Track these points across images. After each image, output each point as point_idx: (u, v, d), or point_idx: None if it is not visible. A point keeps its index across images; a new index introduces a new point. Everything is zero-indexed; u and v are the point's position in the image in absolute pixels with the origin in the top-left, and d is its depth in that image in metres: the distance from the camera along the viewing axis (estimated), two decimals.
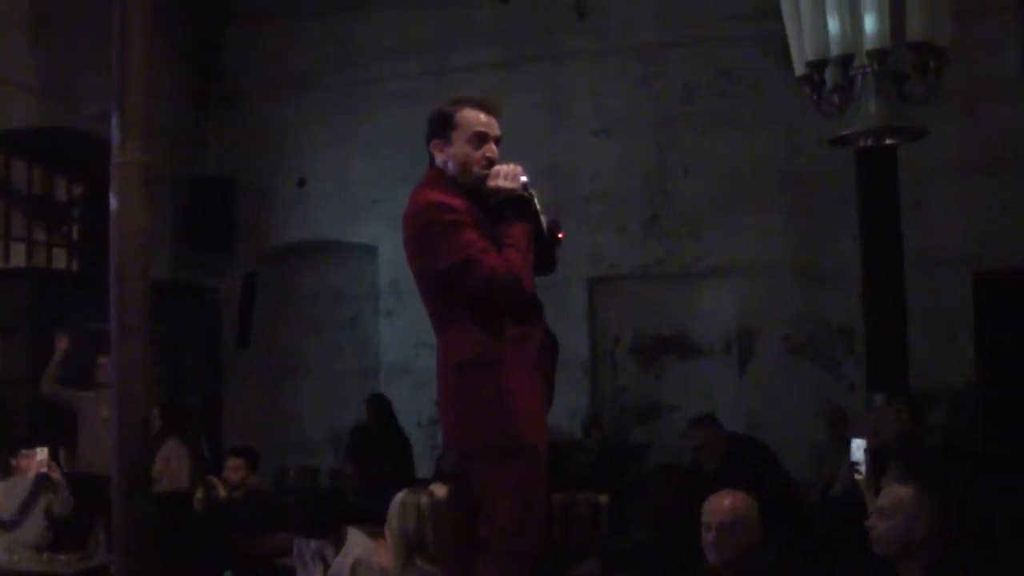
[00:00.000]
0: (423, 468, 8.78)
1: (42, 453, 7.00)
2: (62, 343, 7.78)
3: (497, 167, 3.25)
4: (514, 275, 3.14)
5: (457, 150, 3.27)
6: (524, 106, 9.19)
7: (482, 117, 3.29)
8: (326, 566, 4.87)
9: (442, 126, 3.30)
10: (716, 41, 9.17)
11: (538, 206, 3.30)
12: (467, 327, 3.18)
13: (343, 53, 10.34)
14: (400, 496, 4.32)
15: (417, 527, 4.15)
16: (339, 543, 4.83)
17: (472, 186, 3.25)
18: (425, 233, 3.19)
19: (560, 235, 3.38)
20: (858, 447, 4.67)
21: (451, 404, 3.26)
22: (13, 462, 7.15)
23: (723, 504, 3.84)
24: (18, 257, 9.40)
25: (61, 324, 8.70)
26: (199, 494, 7.13)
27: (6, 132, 8.70)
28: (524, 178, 3.25)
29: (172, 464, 7.82)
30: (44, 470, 6.96)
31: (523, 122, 8.91)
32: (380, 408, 8.81)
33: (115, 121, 5.38)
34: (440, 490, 4.27)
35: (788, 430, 8.36)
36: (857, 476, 4.72)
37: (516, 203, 3.24)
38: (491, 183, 3.24)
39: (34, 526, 6.95)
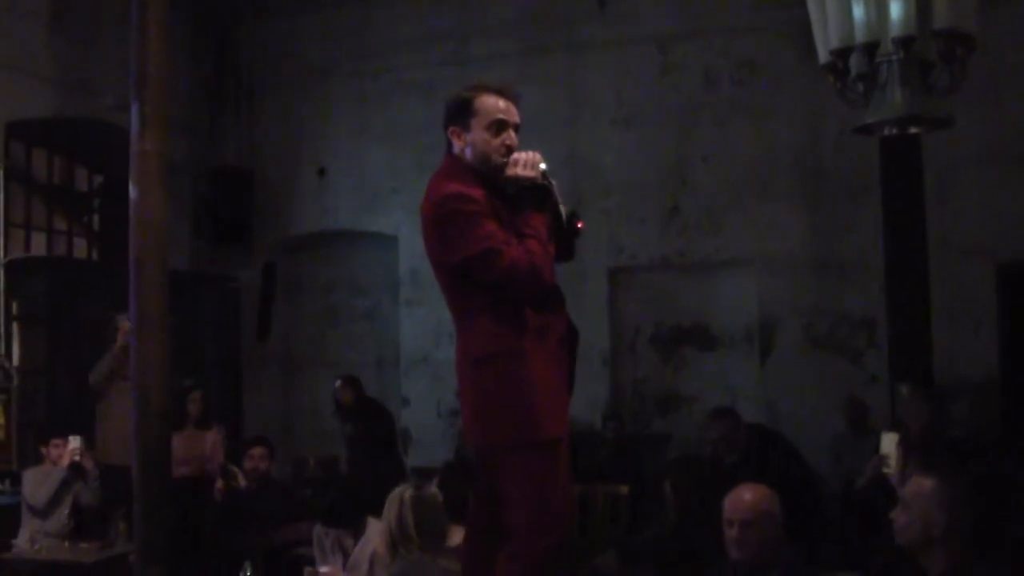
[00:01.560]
0: (440, 457, 8.79)
1: (75, 442, 7.02)
2: (124, 330, 7.50)
3: (516, 155, 3.20)
4: (535, 266, 3.09)
5: (476, 137, 3.22)
6: (543, 96, 9.16)
7: (501, 104, 3.24)
8: (345, 556, 4.88)
9: (460, 112, 3.25)
10: (736, 30, 9.11)
11: (557, 195, 3.26)
12: (487, 319, 3.14)
13: (360, 43, 10.32)
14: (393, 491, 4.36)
15: (398, 519, 4.18)
16: (359, 534, 4.84)
17: (490, 173, 3.22)
18: (444, 224, 3.15)
19: (580, 225, 3.34)
20: (888, 441, 4.62)
21: (471, 397, 3.23)
22: (44, 451, 7.18)
23: (744, 499, 3.80)
24: (39, 247, 9.41)
25: (82, 314, 8.75)
26: (219, 483, 7.16)
27: (26, 122, 8.73)
28: (543, 166, 3.21)
29: (217, 450, 7.81)
30: (77, 459, 6.99)
31: (542, 112, 8.88)
32: (355, 394, 8.75)
33: (134, 110, 5.38)
34: (407, 491, 4.27)
35: (809, 422, 8.34)
36: (886, 470, 4.68)
37: (535, 192, 3.20)
38: (510, 171, 3.19)
39: (60, 515, 6.99)
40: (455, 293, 3.23)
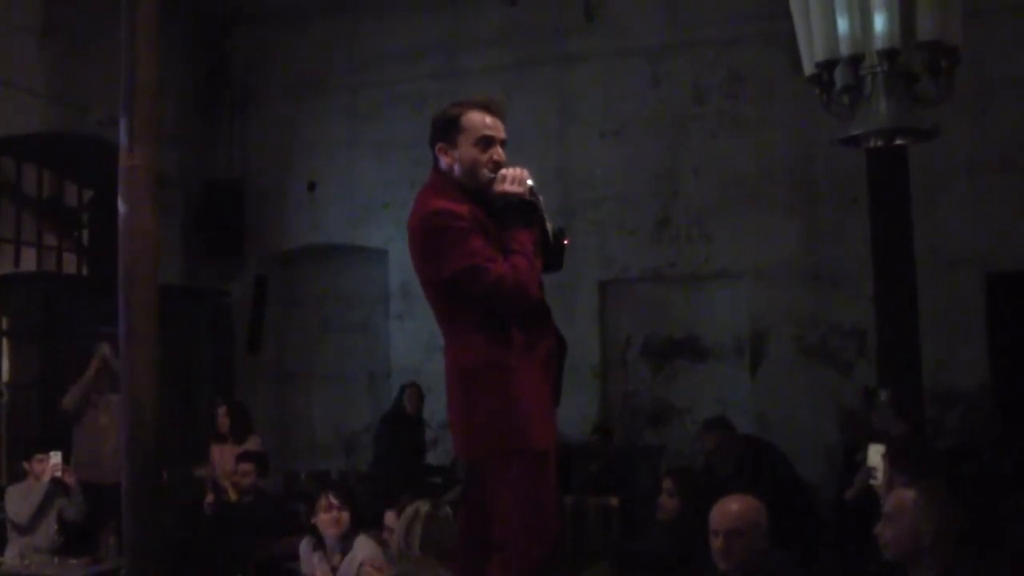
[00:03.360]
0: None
1: (56, 457, 7.00)
2: (99, 358, 7.57)
3: (504, 171, 3.22)
4: (521, 282, 3.11)
5: (463, 153, 3.24)
6: (533, 109, 9.19)
7: (488, 120, 3.26)
8: (333, 569, 4.89)
9: (447, 129, 3.27)
10: (725, 42, 9.14)
11: (544, 211, 3.28)
12: (474, 334, 3.17)
13: (351, 56, 10.34)
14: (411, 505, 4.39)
15: (407, 531, 4.23)
16: (345, 550, 4.87)
17: (478, 189, 3.23)
18: (430, 241, 3.18)
19: (566, 241, 3.35)
20: (875, 452, 4.64)
21: (459, 409, 3.25)
22: (27, 466, 7.17)
23: (731, 510, 3.81)
24: (29, 262, 9.40)
25: (73, 329, 8.74)
26: (209, 498, 7.15)
27: (16, 137, 8.72)
28: (530, 182, 3.23)
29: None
30: (58, 475, 6.97)
31: (532, 125, 8.91)
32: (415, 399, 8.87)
33: (123, 125, 5.38)
34: (424, 507, 4.32)
35: (800, 432, 8.35)
36: (873, 482, 4.70)
37: (523, 208, 3.22)
38: (497, 187, 3.20)
39: (46, 530, 6.96)
40: (442, 307, 3.26)
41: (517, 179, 3.19)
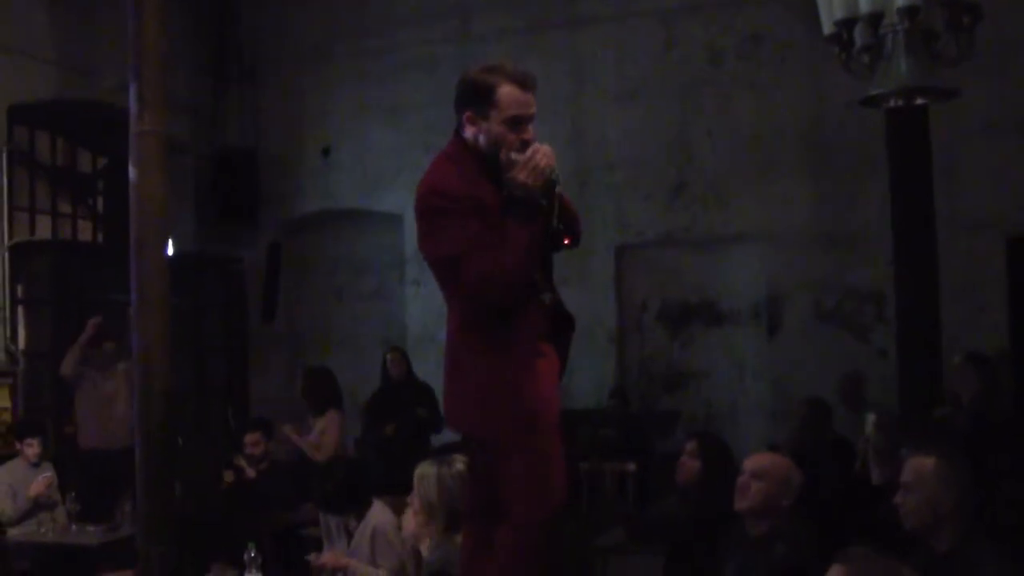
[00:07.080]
0: (447, 435, 8.78)
1: (46, 477, 6.97)
2: (93, 324, 7.68)
3: (524, 156, 3.02)
4: (502, 283, 2.99)
5: (492, 129, 3.07)
6: (547, 72, 9.03)
7: (522, 98, 3.09)
8: (350, 538, 4.87)
9: (479, 98, 3.09)
10: (741, 4, 9.03)
11: (556, 208, 3.04)
12: (462, 312, 3.15)
13: (363, 20, 10.25)
14: (427, 468, 4.26)
15: (446, 496, 4.11)
16: (362, 516, 4.83)
17: (499, 166, 3.09)
18: (421, 219, 3.12)
19: (567, 241, 3.12)
20: (871, 423, 4.64)
21: (447, 384, 3.27)
22: (19, 447, 7.16)
23: (764, 456, 3.98)
24: (44, 230, 9.40)
25: (87, 297, 8.76)
26: (228, 478, 7.12)
27: (29, 105, 8.70)
28: (550, 169, 3.01)
29: (330, 434, 7.70)
30: (47, 494, 6.93)
31: (546, 89, 8.65)
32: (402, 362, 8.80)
33: (132, 91, 5.35)
34: (457, 464, 4.23)
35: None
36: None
37: (524, 204, 3.01)
38: (512, 174, 3.03)
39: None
40: (438, 281, 3.21)
41: (535, 169, 3.00)
